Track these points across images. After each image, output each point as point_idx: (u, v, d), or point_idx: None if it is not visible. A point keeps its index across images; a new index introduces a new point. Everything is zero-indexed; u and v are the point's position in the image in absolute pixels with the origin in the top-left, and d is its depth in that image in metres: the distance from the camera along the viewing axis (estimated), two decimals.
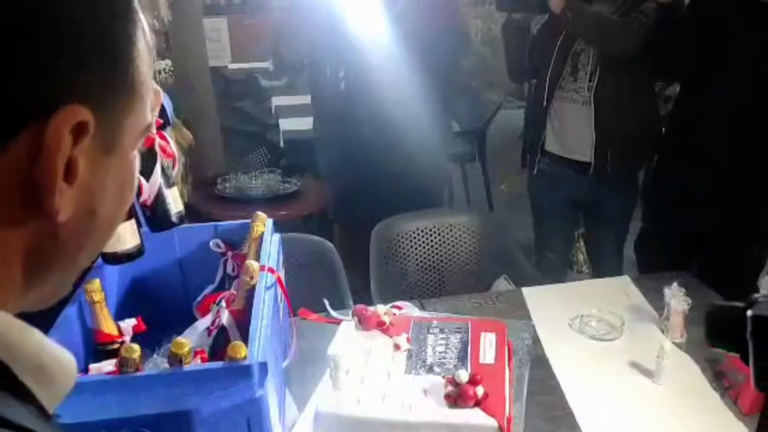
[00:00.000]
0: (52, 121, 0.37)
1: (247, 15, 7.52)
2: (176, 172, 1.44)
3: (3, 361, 0.37)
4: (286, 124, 3.76)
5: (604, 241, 2.39)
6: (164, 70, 3.54)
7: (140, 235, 1.28)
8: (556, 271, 2.46)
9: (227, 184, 2.67)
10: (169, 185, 1.36)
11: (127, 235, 1.25)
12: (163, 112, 1.45)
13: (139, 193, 1.28)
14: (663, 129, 2.27)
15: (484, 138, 4.35)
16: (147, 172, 1.30)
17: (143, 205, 1.34)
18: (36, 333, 0.40)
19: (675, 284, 1.58)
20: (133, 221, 1.27)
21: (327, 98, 2.60)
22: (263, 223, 1.44)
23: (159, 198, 1.33)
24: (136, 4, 0.44)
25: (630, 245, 2.43)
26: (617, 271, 2.28)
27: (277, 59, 2.89)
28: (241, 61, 6.24)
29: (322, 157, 2.90)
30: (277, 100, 4.41)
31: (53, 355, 0.41)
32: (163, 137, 1.39)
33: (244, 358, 1.01)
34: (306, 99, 3.86)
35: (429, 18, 2.27)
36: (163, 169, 1.34)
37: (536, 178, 2.38)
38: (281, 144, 3.66)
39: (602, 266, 2.37)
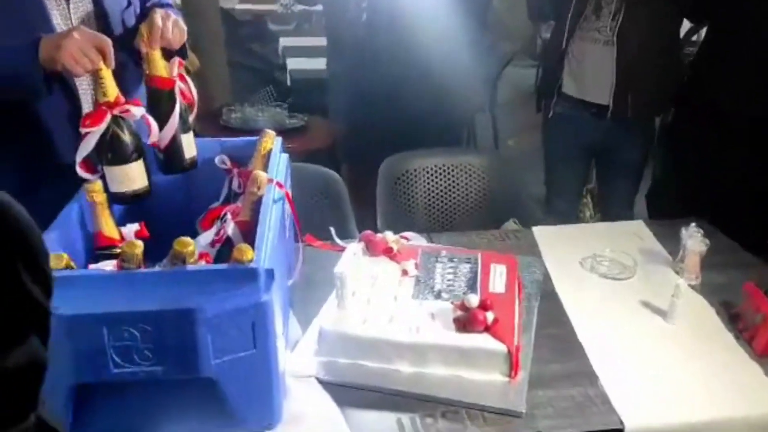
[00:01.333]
0: None
1: None
2: (193, 116, 1.39)
3: None
4: (294, 64, 3.69)
5: (617, 189, 2.33)
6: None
7: (148, 176, 1.25)
8: (565, 220, 2.41)
9: (233, 115, 2.61)
10: (185, 130, 1.32)
11: (136, 176, 1.23)
12: (183, 48, 1.40)
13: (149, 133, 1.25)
14: (685, 76, 2.20)
15: (495, 90, 4.27)
16: (165, 116, 1.26)
17: (155, 147, 1.30)
18: None
19: (693, 225, 1.53)
20: (141, 162, 1.23)
21: (345, 32, 2.51)
22: (271, 140, 1.39)
23: (174, 141, 1.30)
24: None
25: (642, 195, 2.38)
26: (628, 219, 2.24)
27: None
28: (248, 3, 6.11)
29: (333, 96, 2.83)
30: (284, 41, 4.32)
31: None
32: (184, 80, 1.33)
33: (251, 261, 0.96)
34: (314, 41, 3.78)
35: None
36: (180, 113, 1.29)
37: (551, 122, 2.31)
38: (288, 83, 3.58)
39: (613, 214, 2.32)
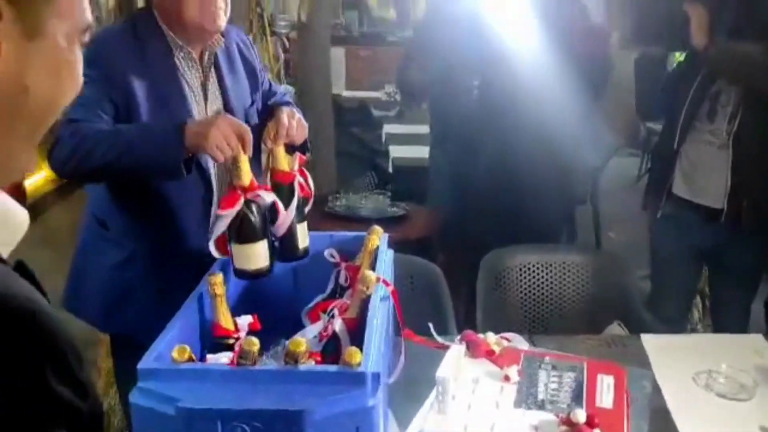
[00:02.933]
0: None
1: (363, 47, 7.78)
2: (309, 208, 1.47)
3: None
4: (396, 151, 3.79)
5: (730, 297, 2.20)
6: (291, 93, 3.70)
7: (271, 257, 1.32)
8: (672, 325, 2.30)
9: (338, 202, 2.71)
10: (301, 220, 1.40)
11: (260, 255, 1.30)
12: (304, 144, 1.51)
13: (274, 220, 1.33)
14: None
15: (597, 180, 4.20)
16: (283, 206, 1.34)
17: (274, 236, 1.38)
18: None
19: None
20: (266, 242, 1.31)
21: (451, 123, 2.59)
22: (379, 237, 1.43)
23: (290, 231, 1.37)
24: None
25: (759, 303, 2.24)
26: (741, 331, 2.10)
27: (400, 84, 2.94)
28: (354, 90, 6.42)
29: (435, 185, 2.89)
30: (387, 128, 4.47)
31: (4, 204, 0.52)
32: (303, 174, 1.43)
33: (359, 364, 0.98)
34: (416, 128, 3.90)
35: (582, 43, 2.21)
36: (298, 205, 1.38)
37: (660, 223, 2.25)
38: (389, 170, 3.68)
39: (726, 322, 2.19)
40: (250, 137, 1.29)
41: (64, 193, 2.24)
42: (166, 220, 1.45)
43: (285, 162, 1.38)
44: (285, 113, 1.41)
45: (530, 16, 2.20)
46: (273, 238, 1.38)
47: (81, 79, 0.58)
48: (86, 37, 0.58)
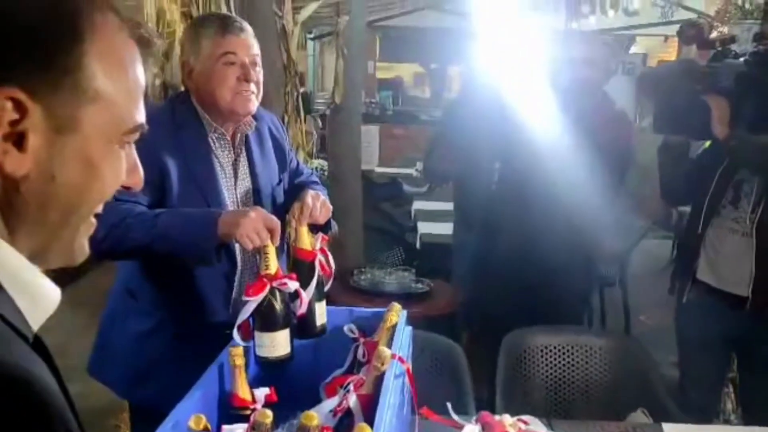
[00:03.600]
0: None
1: (396, 125, 8.02)
2: (328, 286, 1.52)
3: None
4: (424, 228, 3.84)
5: (760, 387, 2.14)
6: (317, 168, 3.82)
7: (292, 345, 1.36)
8: (701, 413, 2.23)
9: (362, 277, 2.75)
10: (320, 299, 1.45)
11: (282, 343, 1.34)
12: (328, 224, 1.58)
13: (294, 299, 1.38)
14: None
15: (627, 263, 4.17)
16: (303, 284, 1.39)
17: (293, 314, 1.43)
18: (25, 262, 0.54)
19: None
20: (288, 330, 1.35)
21: (474, 201, 2.64)
22: (397, 314, 1.46)
23: (309, 309, 1.42)
24: (94, 7, 0.55)
25: None
26: None
27: (426, 165, 3.03)
28: (387, 166, 6.58)
29: (458, 263, 2.92)
30: (417, 204, 4.55)
31: (38, 283, 0.54)
32: (325, 253, 1.49)
33: None
34: (445, 205, 3.96)
35: (602, 129, 2.26)
36: (318, 283, 1.43)
37: (685, 308, 2.23)
38: (417, 246, 3.73)
39: (756, 415, 2.12)
40: (278, 229, 1.36)
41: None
42: (191, 293, 1.51)
43: (308, 241, 1.44)
44: (310, 195, 1.48)
45: (553, 104, 2.27)
46: (292, 316, 1.42)
47: (123, 176, 0.61)
48: (136, 136, 0.61)
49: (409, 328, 1.52)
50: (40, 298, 0.55)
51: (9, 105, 0.51)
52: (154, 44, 0.64)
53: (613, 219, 2.68)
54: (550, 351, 2.12)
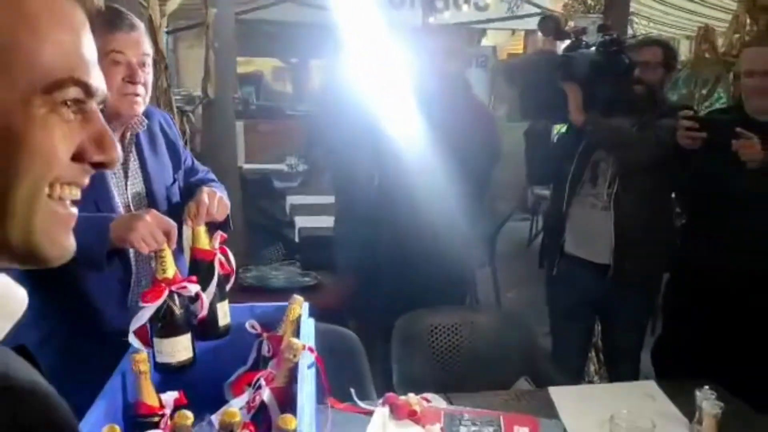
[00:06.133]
0: None
1: (261, 120, 7.88)
2: (230, 285, 1.49)
3: None
4: (302, 222, 3.85)
5: (621, 345, 2.38)
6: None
7: (194, 349, 1.32)
8: (572, 377, 2.44)
9: (249, 274, 2.71)
10: (222, 299, 1.41)
11: (183, 348, 1.30)
12: (226, 221, 1.53)
13: (195, 301, 1.34)
14: (678, 240, 2.35)
15: (495, 245, 4.43)
16: (203, 285, 1.35)
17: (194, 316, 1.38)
18: None
19: (706, 387, 1.57)
20: (189, 335, 1.31)
21: (355, 195, 2.68)
22: (300, 306, 1.46)
23: (210, 310, 1.38)
24: None
25: (647, 353, 2.43)
26: (633, 377, 2.28)
27: (303, 159, 3.02)
28: (254, 162, 6.46)
29: (341, 255, 2.95)
30: (291, 199, 4.52)
31: (6, 285, 0.49)
32: (224, 252, 1.45)
33: (294, 430, 1.00)
34: (321, 198, 3.98)
35: (467, 129, 2.38)
36: (219, 282, 1.39)
37: (554, 281, 2.42)
38: (296, 240, 3.72)
39: (619, 370, 2.35)
40: (175, 232, 1.31)
41: None
42: (83, 300, 1.41)
43: (206, 240, 1.40)
44: (206, 192, 1.44)
45: (419, 97, 2.35)
46: (193, 319, 1.37)
47: (64, 146, 0.51)
48: (72, 94, 0.51)
49: (312, 319, 1.53)
50: (8, 303, 0.51)
51: None
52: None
53: (482, 205, 2.85)
54: (439, 331, 2.22)
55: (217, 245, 1.41)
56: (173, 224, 1.32)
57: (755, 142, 1.92)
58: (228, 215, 1.52)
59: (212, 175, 1.74)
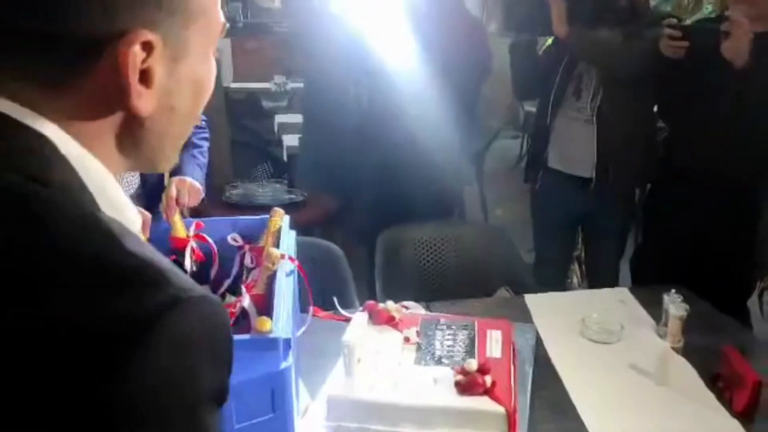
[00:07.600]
0: (121, 44, 0.49)
1: (248, 38, 7.69)
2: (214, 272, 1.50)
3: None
4: (290, 140, 3.84)
5: (602, 255, 2.45)
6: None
7: None
8: (554, 287, 2.52)
9: (234, 192, 2.74)
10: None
11: None
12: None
13: None
14: (661, 152, 2.37)
15: (482, 163, 4.45)
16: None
17: None
18: (123, 195, 0.56)
19: (673, 291, 1.64)
20: None
21: (343, 113, 2.68)
22: (281, 218, 1.50)
23: None
24: None
25: (626, 261, 2.50)
26: (613, 284, 2.36)
27: (290, 76, 3.00)
28: (242, 81, 6.35)
29: (328, 173, 2.98)
30: (280, 118, 4.50)
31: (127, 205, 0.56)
32: (202, 238, 1.46)
33: (270, 331, 1.06)
34: None
35: (457, 44, 2.34)
36: (191, 270, 1.41)
37: (538, 195, 2.46)
38: (284, 158, 3.73)
39: (599, 280, 2.43)
40: (148, 223, 1.33)
41: None
42: None
43: (182, 229, 1.42)
44: (175, 183, 1.49)
45: (409, 14, 2.31)
46: None
47: (212, 86, 0.59)
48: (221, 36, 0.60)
49: (293, 231, 1.56)
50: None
51: (138, 48, 0.49)
52: None
53: (470, 121, 2.85)
54: (423, 244, 2.27)
55: (191, 233, 1.43)
56: (147, 214, 1.33)
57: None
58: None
59: (202, 142, 1.76)
